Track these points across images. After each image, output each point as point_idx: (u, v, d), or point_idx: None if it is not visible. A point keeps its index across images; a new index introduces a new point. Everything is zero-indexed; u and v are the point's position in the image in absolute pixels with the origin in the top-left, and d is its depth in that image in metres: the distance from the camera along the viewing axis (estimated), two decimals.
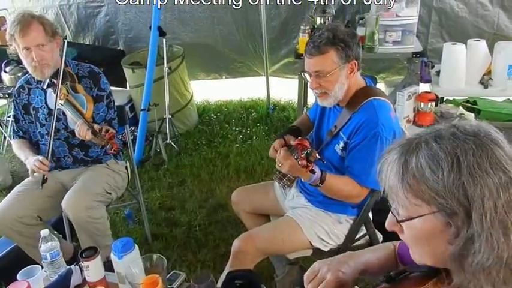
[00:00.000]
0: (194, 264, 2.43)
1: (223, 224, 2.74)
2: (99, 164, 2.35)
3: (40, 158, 2.10)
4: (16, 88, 2.33)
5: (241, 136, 3.86)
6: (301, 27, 3.21)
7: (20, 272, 1.59)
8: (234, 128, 4.00)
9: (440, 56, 2.93)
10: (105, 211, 2.22)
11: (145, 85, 3.54)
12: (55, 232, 2.37)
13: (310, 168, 1.46)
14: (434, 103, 2.81)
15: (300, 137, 1.61)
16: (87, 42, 4.42)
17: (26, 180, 2.32)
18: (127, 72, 3.89)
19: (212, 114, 4.31)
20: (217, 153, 3.61)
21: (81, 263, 1.52)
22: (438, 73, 3.03)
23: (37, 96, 2.26)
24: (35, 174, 2.15)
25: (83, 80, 2.24)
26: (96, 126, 2.02)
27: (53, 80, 2.15)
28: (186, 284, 1.59)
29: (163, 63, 3.57)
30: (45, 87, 2.20)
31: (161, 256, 1.47)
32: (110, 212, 2.92)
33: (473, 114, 2.82)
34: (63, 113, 2.16)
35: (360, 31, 3.15)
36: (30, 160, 2.12)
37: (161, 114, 3.67)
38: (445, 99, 3.07)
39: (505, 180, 0.73)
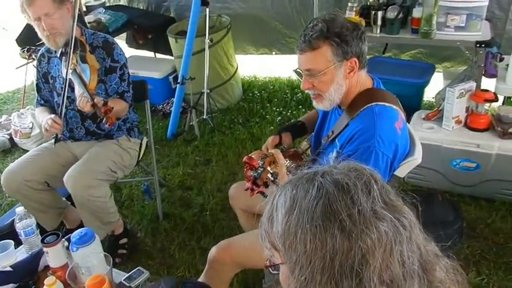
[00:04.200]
0: (194, 251, 2.36)
1: (234, 213, 2.61)
2: (111, 139, 2.32)
3: (53, 116, 2.09)
4: (37, 56, 2.35)
5: (279, 118, 3.65)
6: (349, 4, 2.86)
7: None
8: (274, 108, 3.79)
9: None
10: (108, 189, 2.21)
11: (183, 57, 3.44)
12: (63, 199, 2.43)
13: (256, 192, 1.26)
14: (491, 104, 2.38)
15: (249, 155, 1.38)
16: (141, 8, 4.41)
17: (41, 145, 2.37)
18: (171, 41, 3.81)
19: (256, 92, 4.12)
20: (250, 134, 3.45)
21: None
22: (508, 67, 2.55)
23: (55, 65, 2.26)
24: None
25: (96, 50, 2.19)
26: (96, 100, 1.97)
27: (66, 49, 2.12)
28: (148, 284, 1.51)
29: (205, 35, 3.44)
30: (58, 55, 2.20)
31: (106, 254, 1.39)
32: (132, 185, 2.95)
33: None
34: None
35: (417, 12, 2.73)
36: (44, 119, 2.11)
37: (200, 88, 3.58)
38: None
39: (332, 233, 0.60)
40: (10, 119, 3.66)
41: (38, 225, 1.72)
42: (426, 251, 0.65)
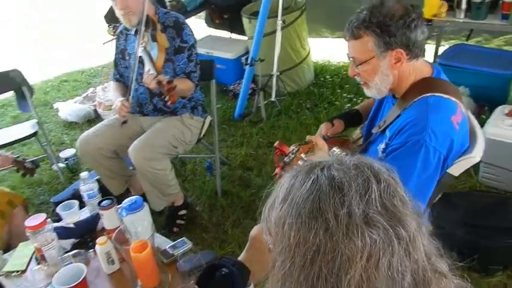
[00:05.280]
0: (247, 230, 2.40)
1: None
2: (175, 116, 2.43)
3: (122, 99, 2.27)
4: (117, 33, 2.52)
5: (348, 105, 3.53)
6: None
7: (60, 205, 1.78)
8: (345, 94, 3.68)
9: None
10: (169, 163, 2.32)
11: (254, 38, 3.45)
12: (130, 169, 2.59)
13: None
14: None
15: (280, 141, 1.32)
16: None
17: (114, 117, 2.55)
18: (245, 21, 3.84)
19: (328, 77, 4.02)
20: (316, 119, 3.39)
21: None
22: None
23: (131, 42, 2.40)
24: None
25: (167, 30, 2.29)
26: (161, 77, 2.07)
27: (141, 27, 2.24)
28: (189, 254, 1.58)
29: (278, 16, 3.41)
30: (133, 33, 2.33)
31: (152, 223, 1.48)
32: (196, 161, 3.07)
33: None
34: None
35: None
36: (116, 101, 2.31)
37: (270, 70, 3.58)
38: None
39: (315, 232, 0.57)
40: (96, 92, 3.99)
41: (101, 190, 1.88)
42: (424, 267, 0.58)
